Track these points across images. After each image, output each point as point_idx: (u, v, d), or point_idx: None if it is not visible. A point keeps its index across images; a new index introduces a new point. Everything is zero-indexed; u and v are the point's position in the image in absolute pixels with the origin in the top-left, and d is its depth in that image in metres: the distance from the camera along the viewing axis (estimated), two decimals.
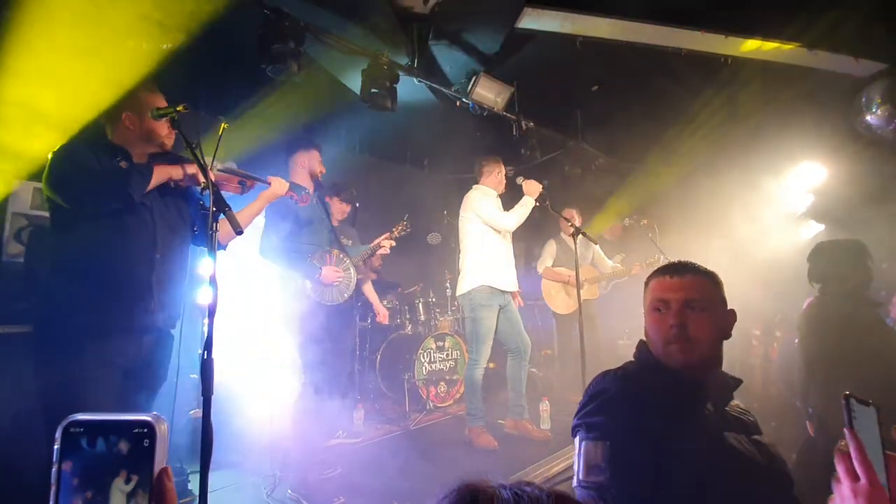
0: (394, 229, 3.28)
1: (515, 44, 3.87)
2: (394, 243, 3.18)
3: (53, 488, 0.43)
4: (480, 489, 0.48)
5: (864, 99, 3.96)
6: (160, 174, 1.72)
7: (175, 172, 1.77)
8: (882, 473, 0.63)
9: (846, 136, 4.56)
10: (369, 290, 4.02)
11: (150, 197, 1.74)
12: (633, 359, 1.33)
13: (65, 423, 0.44)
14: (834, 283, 2.29)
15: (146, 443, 0.44)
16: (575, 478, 1.10)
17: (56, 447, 0.44)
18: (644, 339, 1.32)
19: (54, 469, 0.44)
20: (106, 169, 1.66)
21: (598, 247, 4.64)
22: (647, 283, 1.33)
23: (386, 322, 4.02)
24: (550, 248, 4.69)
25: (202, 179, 1.68)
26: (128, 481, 0.43)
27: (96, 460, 0.44)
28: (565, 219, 3.68)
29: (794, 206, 5.53)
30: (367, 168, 5.25)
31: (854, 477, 0.64)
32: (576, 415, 1.22)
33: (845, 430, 0.65)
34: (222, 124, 1.66)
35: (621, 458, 1.05)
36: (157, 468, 0.44)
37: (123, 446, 0.44)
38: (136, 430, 0.44)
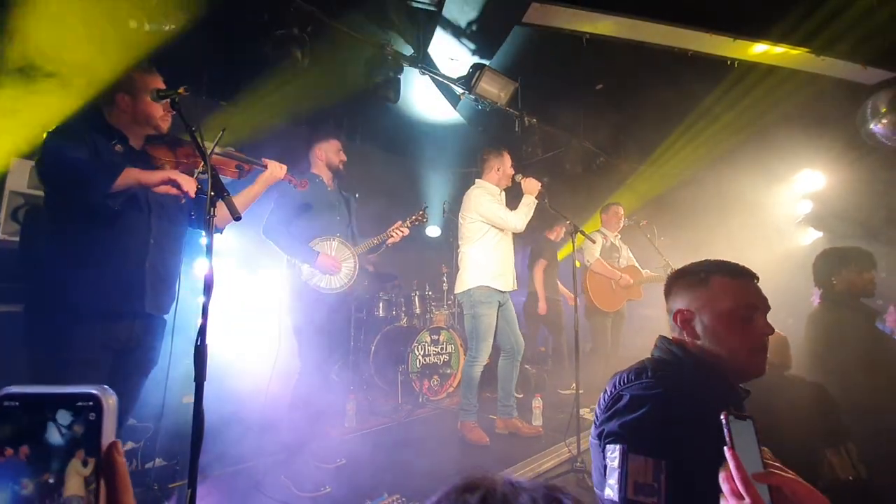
0: (410, 218, 3.11)
1: (521, 39, 3.85)
2: (407, 232, 3.00)
3: None
4: (482, 480, 0.49)
5: (869, 107, 3.95)
6: (127, 178, 1.58)
7: (146, 179, 1.62)
8: (764, 485, 0.65)
9: (847, 143, 4.56)
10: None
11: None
12: (661, 360, 1.20)
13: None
14: (833, 289, 2.30)
15: (92, 416, 0.41)
16: (615, 492, 0.98)
17: None
18: (678, 340, 1.21)
19: None
20: (76, 163, 1.58)
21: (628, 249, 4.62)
22: (707, 284, 1.20)
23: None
24: (599, 243, 4.46)
25: (186, 189, 1.61)
26: (85, 463, 0.41)
27: (41, 437, 0.40)
28: (564, 217, 3.54)
29: (793, 212, 5.55)
30: (367, 159, 5.22)
31: (739, 497, 0.66)
32: (609, 418, 1.09)
33: (725, 451, 0.68)
34: (223, 130, 1.64)
35: (679, 479, 0.95)
36: (105, 442, 0.41)
37: (68, 421, 0.41)
38: (80, 403, 0.41)
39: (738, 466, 0.66)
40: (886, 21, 3.34)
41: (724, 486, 0.68)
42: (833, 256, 2.37)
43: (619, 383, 1.15)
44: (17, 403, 0.41)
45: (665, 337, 1.26)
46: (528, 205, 3.36)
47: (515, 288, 3.50)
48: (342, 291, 2.77)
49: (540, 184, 3.37)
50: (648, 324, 5.83)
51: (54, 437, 0.40)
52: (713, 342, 1.16)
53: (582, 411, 3.33)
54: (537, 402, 3.78)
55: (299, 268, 2.69)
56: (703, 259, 1.28)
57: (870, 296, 2.31)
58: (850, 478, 1.63)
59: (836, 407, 1.80)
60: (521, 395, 4.09)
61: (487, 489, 0.47)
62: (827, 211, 5.16)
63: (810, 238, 5.50)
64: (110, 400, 0.42)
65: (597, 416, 1.16)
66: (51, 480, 0.40)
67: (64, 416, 0.41)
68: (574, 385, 3.13)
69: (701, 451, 0.92)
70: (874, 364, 2.04)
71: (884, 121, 3.83)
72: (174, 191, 1.65)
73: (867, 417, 1.85)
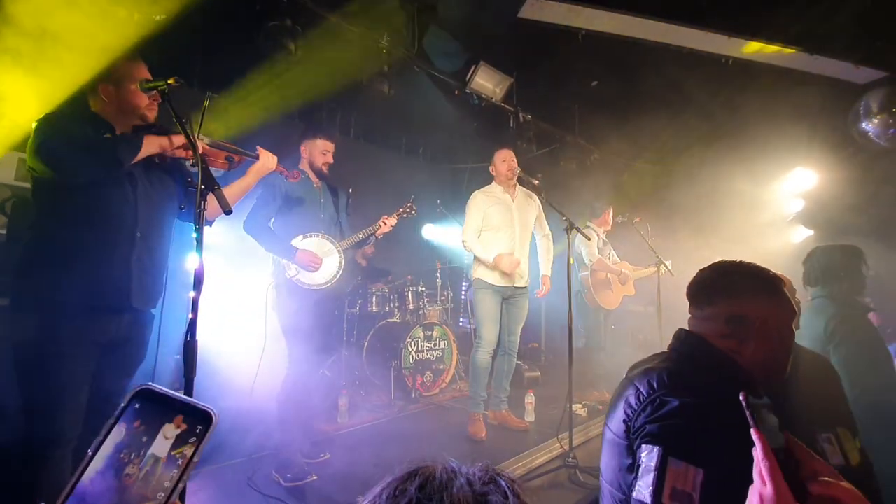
0: (398, 210, 3.10)
1: (517, 34, 3.83)
2: (394, 223, 2.98)
3: (101, 436, 0.46)
4: (422, 468, 0.51)
5: (861, 106, 3.97)
6: (151, 145, 1.67)
7: (166, 143, 1.71)
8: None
9: (839, 141, 4.60)
10: None
11: (134, 172, 1.69)
12: (698, 361, 1.17)
13: (137, 388, 0.48)
14: (828, 288, 2.31)
15: (199, 428, 0.47)
16: (647, 493, 0.97)
17: (121, 404, 0.47)
18: (717, 342, 1.17)
19: (110, 421, 0.47)
20: (92, 137, 1.61)
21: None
22: (778, 293, 1.18)
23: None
24: (594, 240, 4.47)
25: (201, 149, 1.63)
26: (182, 440, 0.46)
27: (152, 418, 0.47)
28: (560, 213, 3.54)
29: (785, 210, 5.59)
30: (361, 154, 5.19)
31: (762, 482, 0.63)
32: (650, 421, 1.06)
33: (752, 432, 0.65)
34: (206, 100, 1.62)
35: (718, 492, 0.93)
36: (199, 452, 0.47)
37: (183, 425, 0.47)
38: (198, 415, 0.48)
39: (765, 450, 0.63)
40: (879, 21, 3.36)
41: (755, 471, 0.65)
42: (823, 255, 2.38)
43: (658, 386, 1.10)
44: (149, 398, 0.48)
45: (698, 335, 1.21)
46: (486, 258, 3.35)
47: (520, 284, 3.48)
48: (327, 287, 2.72)
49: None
50: (633, 319, 5.88)
51: (169, 430, 0.47)
52: (763, 350, 1.14)
53: (574, 407, 3.35)
54: (530, 399, 3.80)
55: (284, 264, 2.64)
56: (742, 261, 1.25)
57: (858, 294, 2.33)
58: (841, 463, 1.60)
59: (840, 388, 1.76)
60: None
61: (427, 476, 0.49)
62: (818, 209, 5.21)
63: (801, 236, 5.55)
64: (216, 422, 0.48)
65: (625, 413, 1.13)
66: (146, 436, 0.46)
67: (182, 419, 0.48)
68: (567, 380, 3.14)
69: (741, 463, 0.91)
70: (868, 362, 2.05)
71: (875, 120, 3.86)
72: (189, 154, 1.71)
73: (861, 414, 1.86)
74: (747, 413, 0.67)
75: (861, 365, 2.03)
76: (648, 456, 1.00)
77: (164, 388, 0.48)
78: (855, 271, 2.29)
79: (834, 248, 2.39)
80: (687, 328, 1.26)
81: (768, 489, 0.62)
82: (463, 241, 3.51)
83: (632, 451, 1.08)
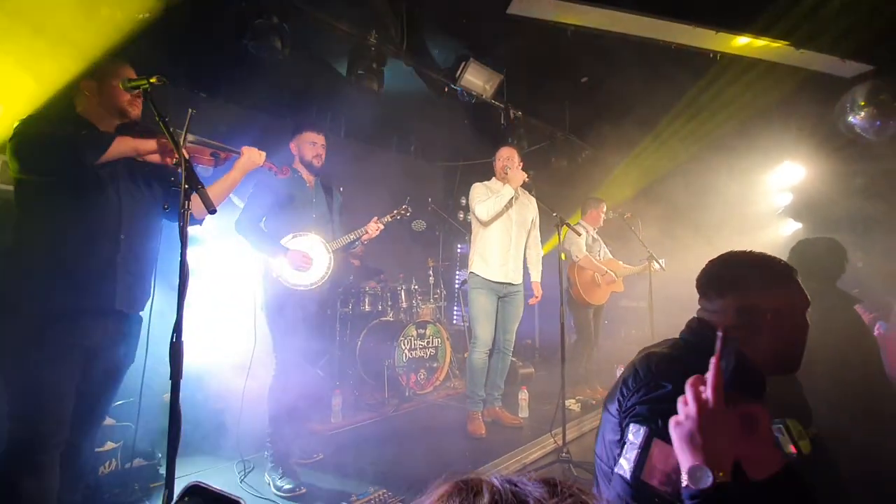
0: (391, 213, 3.06)
1: (506, 30, 3.82)
2: (382, 227, 2.94)
3: None
4: (477, 482, 0.47)
5: (848, 100, 4.00)
6: (122, 145, 1.62)
7: (142, 146, 1.66)
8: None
9: (826, 135, 4.64)
10: None
11: (114, 172, 1.67)
12: (701, 352, 1.19)
13: (189, 485, 0.54)
14: (814, 280, 2.33)
15: None
16: (628, 470, 0.99)
17: (174, 499, 0.55)
18: (729, 334, 1.19)
19: None
20: (60, 134, 1.58)
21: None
22: (790, 284, 1.19)
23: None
24: (583, 236, 4.48)
25: (169, 160, 1.61)
26: None
27: None
28: (551, 210, 3.55)
29: (774, 204, 5.64)
30: (352, 153, 5.16)
31: (702, 399, 0.76)
32: (642, 402, 1.07)
33: (712, 360, 0.76)
34: (190, 111, 1.60)
35: None
36: None
37: None
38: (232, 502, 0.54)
39: (718, 375, 0.75)
40: (865, 15, 3.38)
41: (690, 390, 0.76)
42: (820, 248, 2.38)
43: (656, 369, 1.11)
44: (197, 493, 0.54)
45: (709, 324, 1.19)
46: (501, 196, 3.33)
47: (515, 281, 3.48)
48: (315, 288, 2.68)
49: (524, 176, 3.33)
50: (628, 314, 5.90)
51: None
52: (776, 341, 1.14)
53: (567, 402, 3.36)
54: (523, 395, 3.81)
55: (270, 264, 2.60)
56: (752, 251, 1.25)
57: (839, 286, 2.34)
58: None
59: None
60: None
61: (493, 491, 0.44)
62: (806, 202, 5.26)
63: (790, 229, 5.60)
64: None
65: (621, 392, 1.14)
66: None
67: None
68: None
69: None
70: (854, 353, 2.07)
71: (862, 113, 3.89)
72: (168, 160, 1.67)
73: (849, 405, 1.88)
74: (718, 344, 0.76)
75: (848, 356, 2.05)
76: (635, 434, 1.02)
77: (208, 484, 0.53)
78: (836, 265, 2.31)
79: (816, 241, 2.41)
80: (698, 317, 1.24)
81: (710, 403, 0.75)
82: (479, 217, 3.41)
83: (621, 428, 1.10)
